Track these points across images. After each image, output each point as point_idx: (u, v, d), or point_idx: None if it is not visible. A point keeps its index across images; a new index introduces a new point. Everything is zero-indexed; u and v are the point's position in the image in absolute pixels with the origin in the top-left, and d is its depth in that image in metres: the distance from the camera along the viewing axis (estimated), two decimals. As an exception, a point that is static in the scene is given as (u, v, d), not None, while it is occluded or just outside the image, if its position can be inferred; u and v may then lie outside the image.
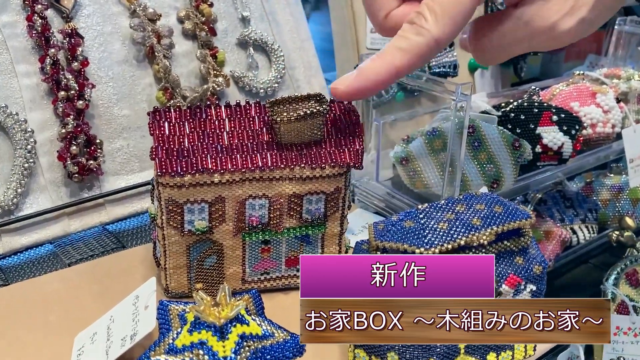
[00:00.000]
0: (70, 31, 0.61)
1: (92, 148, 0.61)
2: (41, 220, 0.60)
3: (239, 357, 0.39)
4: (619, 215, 0.93)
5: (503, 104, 0.77)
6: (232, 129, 0.51)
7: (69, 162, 0.59)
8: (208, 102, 0.52)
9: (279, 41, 0.76)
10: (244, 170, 0.49)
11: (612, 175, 0.95)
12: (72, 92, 0.60)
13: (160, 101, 0.66)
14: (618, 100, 0.85)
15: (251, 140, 0.50)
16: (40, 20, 0.60)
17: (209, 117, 0.51)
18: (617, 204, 0.94)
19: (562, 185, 0.93)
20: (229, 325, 0.39)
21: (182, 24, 0.69)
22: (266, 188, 0.50)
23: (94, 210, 0.63)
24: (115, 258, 0.59)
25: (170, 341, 0.40)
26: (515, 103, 0.75)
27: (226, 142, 0.50)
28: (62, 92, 0.60)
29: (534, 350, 0.49)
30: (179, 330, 0.41)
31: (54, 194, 0.61)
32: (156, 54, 0.66)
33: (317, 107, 0.49)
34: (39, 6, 0.60)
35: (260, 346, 0.40)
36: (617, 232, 0.90)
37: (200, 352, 0.38)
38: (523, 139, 0.70)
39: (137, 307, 0.46)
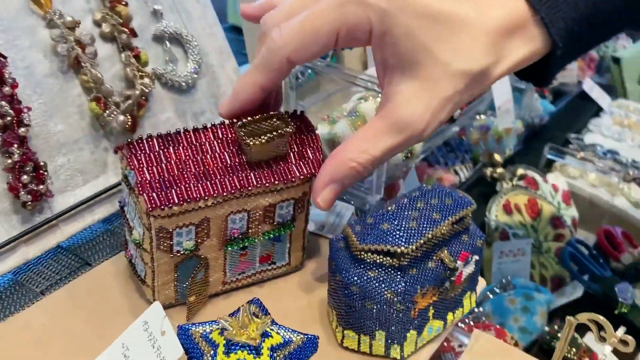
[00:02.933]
0: (-8, 53, 0.58)
1: (39, 172, 0.60)
2: (0, 253, 0.59)
3: (275, 368, 0.45)
4: (488, 152, 1.09)
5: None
6: (206, 153, 0.54)
7: (22, 192, 0.58)
8: (178, 130, 0.54)
9: (190, 30, 0.77)
10: (225, 193, 0.53)
11: (479, 117, 1.10)
12: (9, 118, 0.58)
13: (95, 112, 0.65)
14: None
15: (224, 163, 0.54)
16: (-40, 47, 0.56)
17: (181, 144, 0.54)
18: (485, 142, 1.10)
19: (442, 133, 1.07)
20: (260, 341, 0.46)
21: (99, 27, 0.68)
22: (245, 203, 0.55)
23: (49, 232, 0.63)
24: (87, 278, 0.60)
25: (211, 365, 0.45)
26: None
27: (202, 168, 0.53)
28: (-1, 121, 0.58)
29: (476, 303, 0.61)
30: (211, 353, 0.46)
31: (6, 224, 0.59)
32: (82, 64, 0.65)
33: (285, 129, 0.54)
34: (-43, 31, 0.56)
35: (287, 353, 0.47)
36: (490, 169, 1.07)
37: (243, 370, 0.44)
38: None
39: (151, 334, 0.50)
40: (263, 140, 0.53)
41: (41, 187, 0.60)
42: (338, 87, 0.85)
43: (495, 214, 0.97)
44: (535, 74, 0.57)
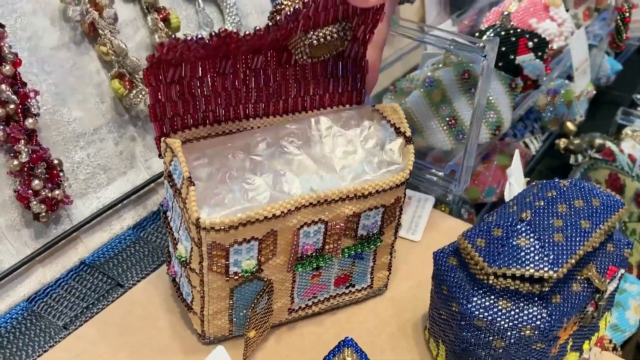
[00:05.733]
0: (-15, 21, 0.44)
1: (54, 173, 0.47)
2: (11, 279, 0.46)
3: None
4: (557, 118, 0.95)
5: (476, 34, 0.72)
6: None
7: (34, 201, 0.45)
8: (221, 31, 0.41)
9: (225, -15, 0.62)
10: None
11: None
12: (12, 106, 0.45)
13: (119, 92, 0.52)
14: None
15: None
16: (-58, 13, 0.42)
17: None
18: (554, 108, 0.96)
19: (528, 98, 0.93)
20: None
21: (117, -17, 0.54)
22: (323, 212, 0.42)
23: (68, 247, 0.50)
24: (122, 306, 0.48)
25: None
26: (490, 32, 0.70)
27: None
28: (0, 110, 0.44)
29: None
30: None
31: (15, 242, 0.47)
32: (100, 31, 0.51)
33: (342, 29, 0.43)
34: None
35: None
36: (564, 140, 0.93)
37: None
38: (512, 76, 0.66)
39: (217, 391, 0.38)
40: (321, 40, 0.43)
41: (57, 192, 0.47)
42: (395, 52, 0.71)
43: (575, 193, 0.84)
44: None
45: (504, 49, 0.68)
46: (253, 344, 0.45)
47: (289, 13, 0.39)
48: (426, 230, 0.57)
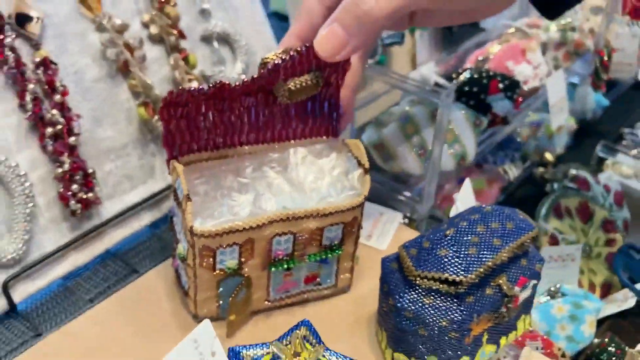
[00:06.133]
0: (42, 60, 0.57)
1: (88, 180, 0.60)
2: (51, 261, 0.59)
3: (329, 400, 0.44)
4: (539, 149, 1.05)
5: (454, 75, 0.83)
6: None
7: (72, 201, 0.58)
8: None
9: (238, 28, 0.75)
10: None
11: (530, 113, 1.06)
12: (60, 127, 0.58)
13: (144, 118, 0.65)
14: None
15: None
16: (12, 54, 0.55)
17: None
18: (536, 140, 1.06)
19: (495, 134, 1.03)
20: (313, 372, 0.45)
21: (147, 28, 0.66)
22: (291, 226, 0.53)
23: (96, 238, 0.62)
24: (135, 288, 0.60)
25: (262, 394, 0.44)
26: (466, 74, 0.81)
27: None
28: (49, 129, 0.57)
29: (530, 325, 0.59)
30: (263, 380, 0.45)
31: (56, 233, 0.59)
32: (131, 69, 0.63)
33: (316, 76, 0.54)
34: (8, 39, 0.55)
35: (341, 384, 0.46)
36: (541, 169, 1.03)
37: (297, 402, 0.43)
38: (479, 114, 0.77)
39: (201, 353, 0.50)
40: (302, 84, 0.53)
41: (90, 194, 0.60)
42: (386, 87, 0.83)
43: (545, 217, 0.93)
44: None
45: (475, 89, 0.79)
46: (235, 326, 0.56)
47: (270, 67, 0.51)
48: (392, 241, 0.68)
